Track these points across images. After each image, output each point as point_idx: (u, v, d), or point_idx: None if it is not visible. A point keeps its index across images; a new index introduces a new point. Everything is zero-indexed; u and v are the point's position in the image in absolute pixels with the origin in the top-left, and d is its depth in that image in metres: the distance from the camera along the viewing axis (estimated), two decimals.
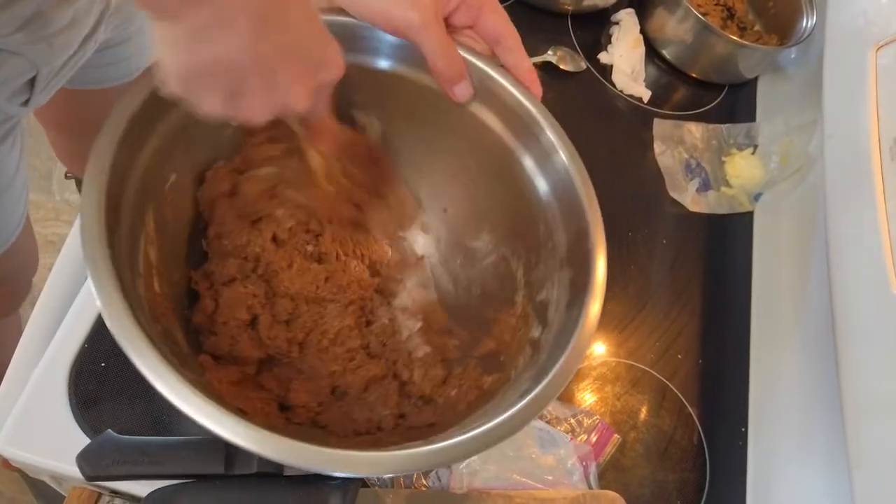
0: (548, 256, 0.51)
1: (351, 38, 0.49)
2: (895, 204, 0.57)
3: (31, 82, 0.61)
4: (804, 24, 0.87)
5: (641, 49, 0.88)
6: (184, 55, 0.36)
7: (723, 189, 0.81)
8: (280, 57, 0.37)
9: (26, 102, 0.63)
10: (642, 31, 0.89)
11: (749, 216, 0.80)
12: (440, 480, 0.55)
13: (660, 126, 0.83)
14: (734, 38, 0.84)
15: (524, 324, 0.51)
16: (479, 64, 0.51)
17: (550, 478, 0.57)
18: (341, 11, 0.49)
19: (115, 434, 0.47)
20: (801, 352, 0.68)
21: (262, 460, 0.47)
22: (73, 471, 0.50)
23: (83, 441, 0.51)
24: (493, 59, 0.51)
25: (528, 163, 0.52)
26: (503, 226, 0.55)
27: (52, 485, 0.57)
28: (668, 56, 0.90)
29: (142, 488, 0.49)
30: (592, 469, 0.59)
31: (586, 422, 0.62)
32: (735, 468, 0.64)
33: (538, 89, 0.51)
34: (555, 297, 0.49)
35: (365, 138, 0.56)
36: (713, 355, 0.70)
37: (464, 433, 0.40)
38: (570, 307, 0.46)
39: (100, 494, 0.51)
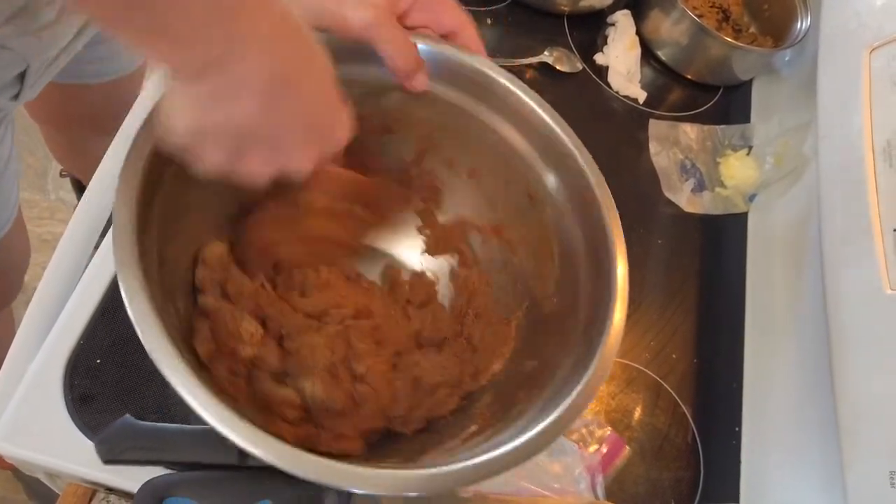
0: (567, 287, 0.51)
1: (367, 50, 0.48)
2: (888, 205, 0.57)
3: (21, 76, 0.61)
4: (799, 26, 0.87)
5: (637, 50, 0.89)
6: (194, 113, 0.36)
7: (717, 190, 0.82)
8: (289, 125, 0.38)
9: (16, 96, 0.63)
10: (638, 33, 0.90)
11: (744, 217, 0.80)
12: None
13: (655, 127, 0.84)
14: (729, 39, 0.84)
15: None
16: (511, 86, 0.51)
17: (557, 486, 0.56)
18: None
19: (134, 419, 0.48)
20: (795, 352, 0.68)
21: None
22: (68, 467, 0.50)
23: (78, 437, 0.50)
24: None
25: (552, 181, 0.53)
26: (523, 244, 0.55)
27: (47, 482, 0.57)
28: (663, 57, 0.90)
29: (137, 485, 0.49)
30: (600, 480, 0.59)
31: (597, 432, 0.62)
32: (729, 467, 0.65)
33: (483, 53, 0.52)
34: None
35: (367, 181, 0.55)
36: (708, 355, 0.71)
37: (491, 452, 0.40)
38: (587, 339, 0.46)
39: (94, 491, 0.51)
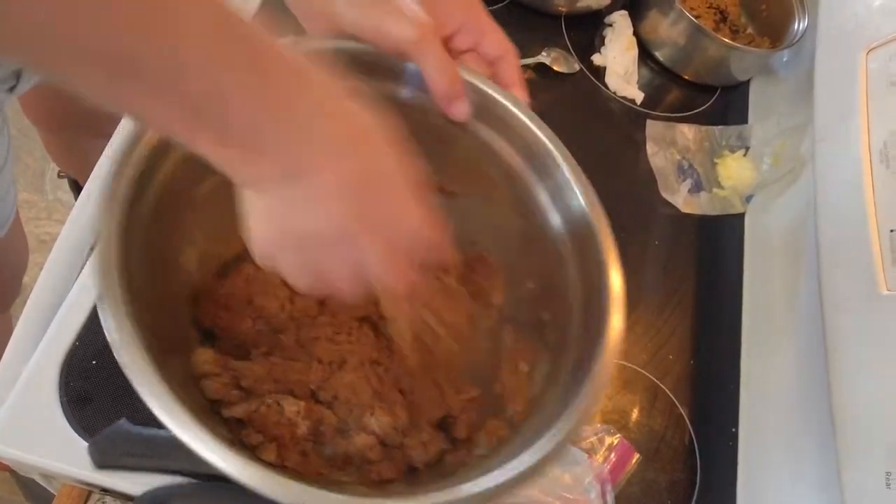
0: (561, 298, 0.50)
1: (371, 65, 0.48)
2: (885, 206, 0.57)
3: (18, 70, 0.61)
4: (796, 27, 0.87)
5: (634, 51, 0.89)
6: (272, 225, 0.35)
7: (715, 190, 0.82)
8: (370, 234, 0.35)
9: (12, 89, 0.63)
10: (635, 33, 0.90)
11: (741, 217, 0.80)
12: None
13: (652, 127, 0.83)
14: (727, 40, 0.84)
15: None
16: (504, 102, 0.50)
17: (570, 496, 0.56)
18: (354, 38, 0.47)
19: (129, 425, 0.48)
20: (792, 353, 0.68)
21: None
22: (63, 468, 0.50)
23: (73, 439, 0.50)
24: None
25: (544, 198, 0.51)
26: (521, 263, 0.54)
27: (42, 483, 0.57)
28: (661, 58, 0.90)
29: (133, 486, 0.49)
30: (609, 489, 0.58)
31: (607, 440, 0.61)
32: (726, 469, 0.65)
33: (525, 96, 0.51)
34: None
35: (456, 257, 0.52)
36: (705, 356, 0.71)
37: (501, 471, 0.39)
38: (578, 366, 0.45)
39: (90, 492, 0.51)
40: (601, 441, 0.61)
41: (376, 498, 0.39)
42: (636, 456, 0.62)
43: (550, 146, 0.50)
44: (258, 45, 0.30)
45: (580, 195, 0.49)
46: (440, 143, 0.51)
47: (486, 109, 0.50)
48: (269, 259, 0.37)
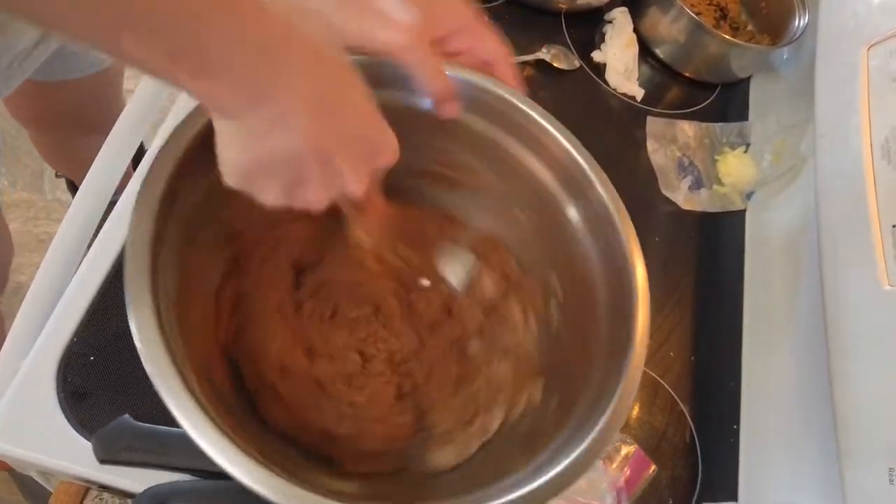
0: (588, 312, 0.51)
1: (393, 76, 0.48)
2: (887, 201, 0.57)
3: None
4: (796, 23, 0.87)
5: (635, 48, 0.88)
6: (245, 151, 0.37)
7: (715, 187, 0.81)
8: (339, 146, 0.38)
9: None
10: (636, 30, 0.89)
11: (741, 214, 0.80)
12: None
13: (653, 124, 0.83)
14: (727, 37, 0.84)
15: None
16: (533, 115, 0.51)
17: (583, 500, 0.56)
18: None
19: (132, 420, 0.48)
20: (793, 349, 0.68)
21: None
22: (61, 465, 0.50)
23: (71, 435, 0.50)
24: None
25: (573, 214, 0.53)
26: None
27: (40, 480, 0.57)
28: (661, 55, 0.90)
29: (132, 483, 0.49)
30: (625, 497, 0.58)
31: (624, 449, 0.61)
32: (727, 465, 0.64)
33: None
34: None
35: (414, 212, 0.56)
36: (706, 353, 0.70)
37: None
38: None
39: (88, 489, 0.51)
40: (617, 450, 0.61)
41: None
42: (653, 467, 0.61)
43: (568, 145, 0.51)
44: None
45: (600, 188, 0.50)
46: (454, 142, 0.54)
47: (502, 114, 0.52)
48: (243, 182, 0.38)
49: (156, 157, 0.42)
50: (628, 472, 0.60)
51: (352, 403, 0.50)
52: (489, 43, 0.51)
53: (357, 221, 0.49)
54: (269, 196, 0.39)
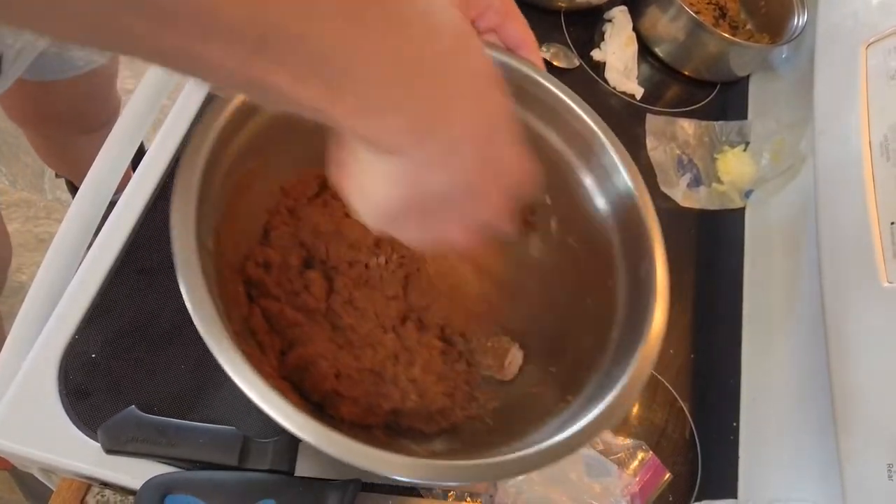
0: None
1: None
2: (885, 199, 0.57)
3: None
4: (795, 22, 0.87)
5: (634, 46, 0.89)
6: (400, 188, 0.32)
7: (714, 185, 0.82)
8: (493, 181, 0.34)
9: None
10: (635, 29, 0.90)
11: (741, 212, 0.80)
12: (491, 498, 0.55)
13: (652, 122, 0.83)
14: (726, 35, 0.84)
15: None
16: (547, 84, 0.52)
17: None
18: None
19: (138, 411, 0.49)
20: (793, 346, 0.68)
21: (277, 458, 0.48)
22: (63, 462, 0.50)
23: (73, 432, 0.50)
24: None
25: (588, 182, 0.54)
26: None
27: (41, 478, 0.57)
28: (660, 54, 0.90)
29: (133, 480, 0.49)
30: (638, 502, 0.58)
31: (639, 454, 0.61)
32: (727, 462, 0.65)
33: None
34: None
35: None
36: (705, 350, 0.71)
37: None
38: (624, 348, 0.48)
39: (89, 486, 0.51)
40: (632, 455, 0.61)
41: (434, 458, 0.40)
42: (667, 474, 0.61)
43: (597, 129, 0.52)
44: None
45: (626, 177, 0.51)
46: None
47: (526, 92, 0.53)
48: (389, 223, 0.35)
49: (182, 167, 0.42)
50: (643, 479, 0.60)
51: (412, 379, 0.52)
52: (517, 24, 0.52)
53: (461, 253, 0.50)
54: (414, 236, 0.36)
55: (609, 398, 0.43)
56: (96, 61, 0.90)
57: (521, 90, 0.53)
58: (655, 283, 0.47)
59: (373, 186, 0.33)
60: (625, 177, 0.51)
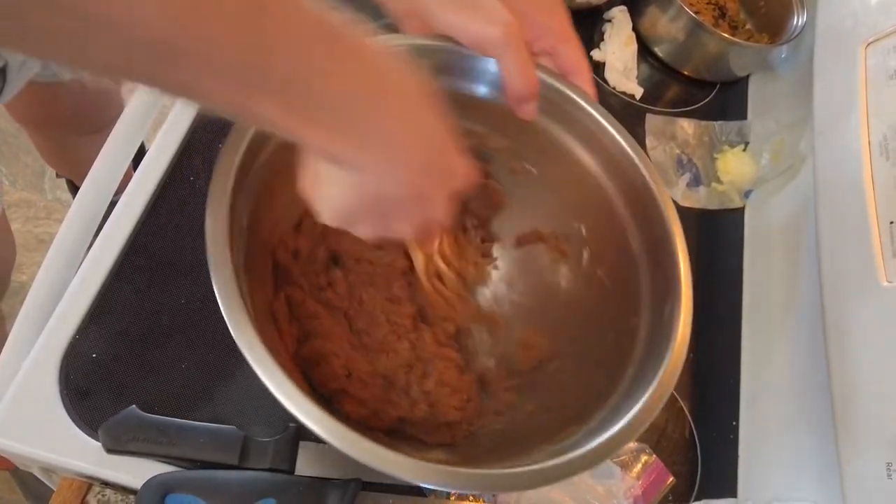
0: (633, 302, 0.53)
1: (453, 64, 0.51)
2: (884, 198, 0.57)
3: (2, 73, 0.61)
4: (794, 22, 0.87)
5: (634, 46, 0.89)
6: (352, 193, 0.37)
7: (713, 185, 0.82)
8: (435, 180, 0.39)
9: None
10: (635, 29, 0.90)
11: (740, 212, 0.81)
12: (493, 498, 0.55)
13: (652, 122, 0.84)
14: (726, 35, 0.84)
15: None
16: (588, 107, 0.53)
17: None
18: (444, 38, 0.50)
19: (139, 410, 0.49)
20: (792, 346, 0.68)
21: (277, 457, 0.49)
22: (63, 461, 0.50)
23: (74, 432, 0.50)
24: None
25: (627, 217, 0.54)
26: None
27: (42, 477, 0.57)
28: (660, 54, 0.90)
29: (134, 479, 0.49)
30: None
31: (643, 457, 0.61)
32: (726, 462, 0.65)
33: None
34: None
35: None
36: (704, 350, 0.71)
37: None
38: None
39: (90, 486, 0.51)
40: (636, 458, 0.61)
41: (457, 466, 0.40)
42: (671, 479, 0.61)
43: (642, 168, 0.52)
44: (332, 30, 0.32)
45: (666, 218, 0.51)
46: (520, 135, 0.56)
47: (573, 119, 0.53)
48: (343, 221, 0.40)
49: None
50: (646, 482, 0.60)
51: (425, 391, 0.52)
52: (572, 49, 0.52)
53: (417, 244, 0.51)
54: (367, 231, 0.40)
55: (612, 431, 0.43)
56: None
57: (568, 116, 0.53)
58: (678, 325, 0.47)
59: (333, 192, 0.38)
60: (664, 218, 0.51)
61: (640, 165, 0.52)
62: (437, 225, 0.42)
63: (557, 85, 0.52)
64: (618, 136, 0.52)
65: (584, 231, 0.57)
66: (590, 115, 0.53)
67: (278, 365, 0.38)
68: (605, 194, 0.54)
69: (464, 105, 0.54)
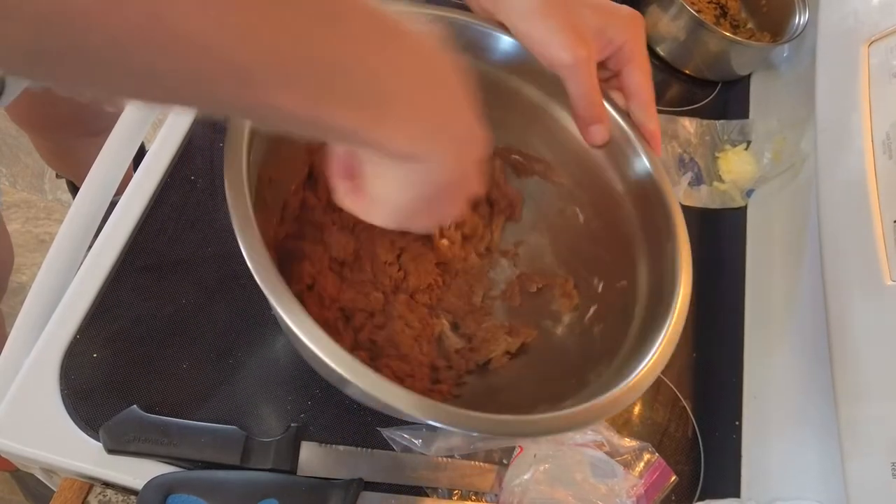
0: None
1: (495, 54, 0.53)
2: (888, 197, 0.57)
3: (1, 81, 0.61)
4: (796, 21, 0.87)
5: None
6: (412, 189, 0.37)
7: (715, 184, 0.82)
8: (473, 157, 0.39)
9: None
10: None
11: (742, 211, 0.80)
12: (496, 497, 0.55)
13: None
14: (728, 34, 0.84)
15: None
16: (616, 117, 0.53)
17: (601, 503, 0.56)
18: (499, 24, 0.51)
19: (140, 410, 0.49)
20: (795, 345, 0.68)
21: (279, 457, 0.49)
22: (64, 462, 0.50)
23: (75, 432, 0.50)
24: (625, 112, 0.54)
25: (633, 222, 0.55)
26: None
27: (42, 478, 0.57)
28: (661, 53, 0.90)
29: (135, 480, 0.49)
30: None
31: (645, 456, 0.61)
32: (729, 461, 0.65)
33: (658, 149, 0.54)
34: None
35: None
36: (707, 349, 0.70)
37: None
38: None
39: (91, 486, 0.51)
40: (638, 457, 0.60)
41: (493, 413, 0.41)
42: (673, 477, 0.61)
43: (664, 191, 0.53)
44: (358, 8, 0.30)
45: (678, 294, 0.50)
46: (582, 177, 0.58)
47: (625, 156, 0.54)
48: (402, 221, 0.40)
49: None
50: (649, 481, 0.60)
51: (372, 341, 0.53)
52: (638, 72, 0.52)
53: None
54: (425, 223, 0.41)
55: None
56: None
57: (633, 171, 0.54)
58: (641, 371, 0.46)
59: (388, 192, 0.38)
60: (676, 300, 0.49)
61: (676, 235, 0.51)
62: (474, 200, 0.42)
63: (620, 122, 0.53)
64: (666, 198, 0.53)
65: (600, 288, 0.58)
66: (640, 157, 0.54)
67: (263, 242, 0.38)
68: (636, 259, 0.55)
69: (545, 129, 0.57)
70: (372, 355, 0.52)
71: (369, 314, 0.54)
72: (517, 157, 0.61)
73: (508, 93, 0.56)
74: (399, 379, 0.52)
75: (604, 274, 0.58)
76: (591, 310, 0.58)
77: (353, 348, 0.51)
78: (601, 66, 0.51)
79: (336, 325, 0.52)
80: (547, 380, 0.55)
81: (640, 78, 0.52)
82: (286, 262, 0.51)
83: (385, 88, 0.31)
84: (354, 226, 0.55)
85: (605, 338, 0.54)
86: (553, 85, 0.51)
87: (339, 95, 0.29)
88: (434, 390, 0.54)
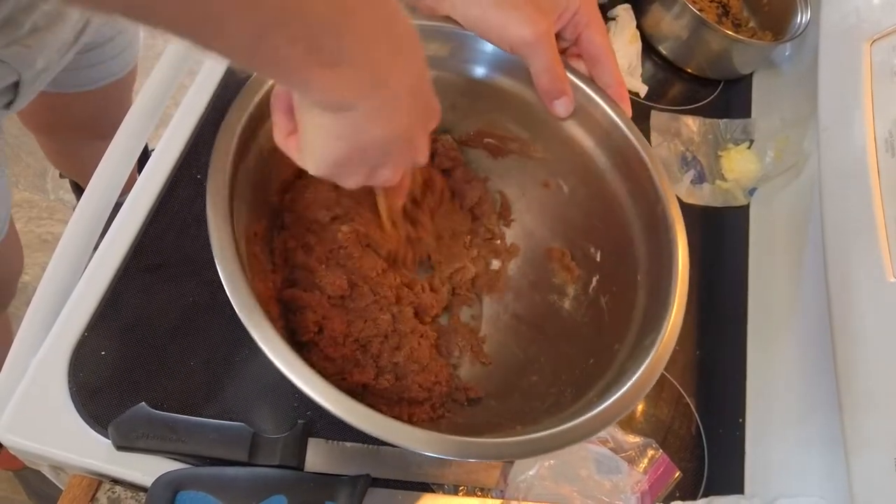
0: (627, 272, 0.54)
1: (454, 47, 0.53)
2: (890, 194, 0.58)
3: (15, 86, 0.61)
4: (798, 20, 0.87)
5: (638, 44, 0.89)
6: (344, 141, 0.37)
7: (717, 182, 0.82)
8: (420, 120, 0.39)
9: (9, 105, 0.63)
10: (639, 27, 0.90)
11: (745, 209, 0.81)
12: (501, 493, 0.55)
13: (657, 118, 0.84)
14: (730, 33, 0.84)
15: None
16: (581, 84, 0.53)
17: (607, 500, 0.56)
18: (445, 19, 0.51)
19: (148, 408, 0.50)
20: (798, 342, 0.68)
21: (286, 453, 0.49)
22: (73, 459, 0.50)
23: (83, 429, 0.50)
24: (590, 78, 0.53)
25: (618, 186, 0.55)
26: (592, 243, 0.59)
27: (51, 476, 0.57)
28: (664, 51, 0.90)
29: (144, 476, 0.49)
30: (649, 502, 0.58)
31: (649, 452, 0.61)
32: (733, 458, 0.65)
33: (627, 106, 0.53)
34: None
35: (440, 179, 0.59)
36: (710, 346, 0.71)
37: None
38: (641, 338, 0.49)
39: (100, 483, 0.51)
40: (642, 453, 0.61)
41: (468, 436, 0.41)
42: (677, 473, 0.61)
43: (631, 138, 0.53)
44: None
45: (678, 257, 0.51)
46: (498, 109, 0.57)
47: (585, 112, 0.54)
48: (333, 171, 0.39)
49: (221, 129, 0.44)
50: (653, 477, 0.60)
51: (394, 363, 0.53)
52: (596, 35, 0.52)
53: (383, 191, 0.51)
54: (355, 180, 0.40)
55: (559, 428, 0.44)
56: (116, 74, 0.90)
57: (608, 136, 0.54)
58: (653, 354, 0.47)
59: (321, 142, 0.38)
60: (676, 257, 0.51)
61: (663, 194, 0.52)
62: (415, 170, 0.42)
63: (594, 96, 0.53)
64: (644, 157, 0.53)
65: (598, 257, 0.58)
66: (621, 130, 0.54)
67: (257, 302, 0.39)
68: (628, 222, 0.55)
69: (515, 109, 0.56)
70: (397, 376, 0.52)
71: (383, 337, 0.53)
72: (490, 139, 0.61)
73: (474, 83, 0.56)
74: (428, 389, 0.53)
75: (599, 242, 0.58)
76: (595, 280, 0.58)
77: (377, 375, 0.51)
78: (557, 36, 0.51)
79: (355, 357, 0.51)
80: (566, 364, 0.55)
81: (600, 40, 0.52)
82: (291, 313, 0.51)
83: (341, 33, 0.31)
84: (333, 252, 0.55)
85: (614, 308, 0.55)
86: (519, 70, 0.52)
87: (291, 29, 0.29)
88: (460, 388, 0.55)
